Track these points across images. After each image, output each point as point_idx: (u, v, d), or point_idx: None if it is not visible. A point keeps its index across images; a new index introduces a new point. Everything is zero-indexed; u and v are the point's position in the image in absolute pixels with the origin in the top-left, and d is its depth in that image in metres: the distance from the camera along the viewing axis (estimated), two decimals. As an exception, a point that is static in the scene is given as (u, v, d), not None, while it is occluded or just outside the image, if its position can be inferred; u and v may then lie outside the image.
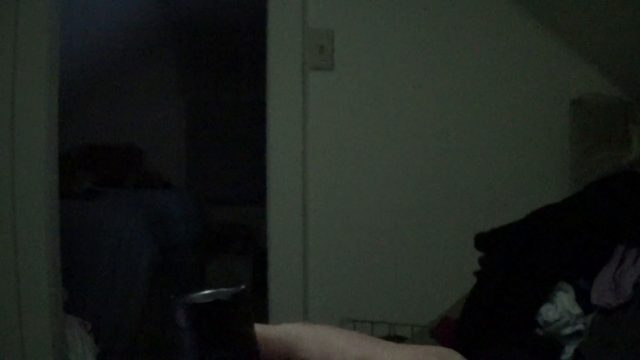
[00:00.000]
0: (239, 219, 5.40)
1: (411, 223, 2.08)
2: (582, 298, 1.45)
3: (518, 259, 1.55)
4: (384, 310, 2.05)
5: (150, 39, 5.22)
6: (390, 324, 2.00)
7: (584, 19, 2.09)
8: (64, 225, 2.19)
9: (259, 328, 0.28)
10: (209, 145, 5.61)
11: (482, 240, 1.67)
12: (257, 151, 4.07)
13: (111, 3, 4.37)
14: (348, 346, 0.28)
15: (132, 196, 3.97)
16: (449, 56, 2.09)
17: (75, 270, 3.01)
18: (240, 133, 5.53)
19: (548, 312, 1.45)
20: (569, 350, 1.41)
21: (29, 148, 2.04)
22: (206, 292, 0.26)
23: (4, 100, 2.03)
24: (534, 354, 1.43)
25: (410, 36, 2.08)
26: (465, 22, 2.09)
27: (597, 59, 2.08)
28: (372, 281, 2.08)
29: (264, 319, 2.19)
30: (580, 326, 1.43)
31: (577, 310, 1.44)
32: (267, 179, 2.09)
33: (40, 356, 2.04)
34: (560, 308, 1.45)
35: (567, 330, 1.44)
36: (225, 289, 0.26)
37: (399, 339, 1.85)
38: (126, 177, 4.74)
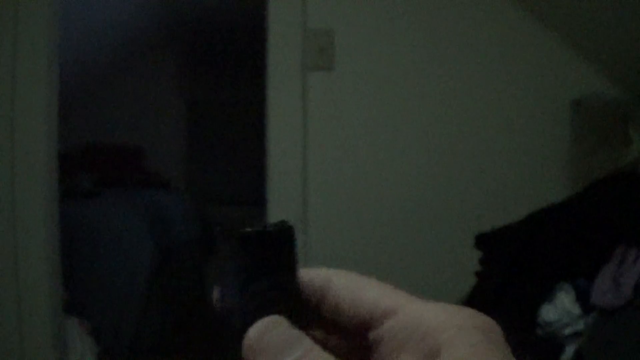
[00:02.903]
0: (239, 219, 5.40)
1: (411, 223, 2.08)
2: (582, 298, 1.45)
3: (518, 259, 1.55)
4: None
5: (150, 39, 5.22)
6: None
7: (584, 19, 2.08)
8: (64, 225, 2.19)
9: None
10: (209, 145, 5.61)
11: (482, 241, 1.67)
12: (257, 151, 4.06)
13: (111, 3, 4.37)
14: (379, 296, 0.29)
15: (132, 196, 3.97)
16: (448, 56, 2.09)
17: (75, 270, 3.01)
18: (241, 133, 5.53)
19: (548, 312, 1.45)
20: (569, 350, 1.41)
21: (29, 148, 2.04)
22: (255, 226, 0.27)
23: (4, 100, 2.03)
24: (534, 354, 1.43)
25: (410, 36, 2.08)
26: (465, 22, 2.09)
27: (597, 59, 2.08)
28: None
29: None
30: (580, 326, 1.43)
31: (577, 310, 1.44)
32: (267, 179, 2.09)
33: (40, 356, 2.04)
34: (560, 308, 1.45)
35: (567, 331, 1.44)
36: (272, 223, 0.27)
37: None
38: (126, 177, 4.73)
